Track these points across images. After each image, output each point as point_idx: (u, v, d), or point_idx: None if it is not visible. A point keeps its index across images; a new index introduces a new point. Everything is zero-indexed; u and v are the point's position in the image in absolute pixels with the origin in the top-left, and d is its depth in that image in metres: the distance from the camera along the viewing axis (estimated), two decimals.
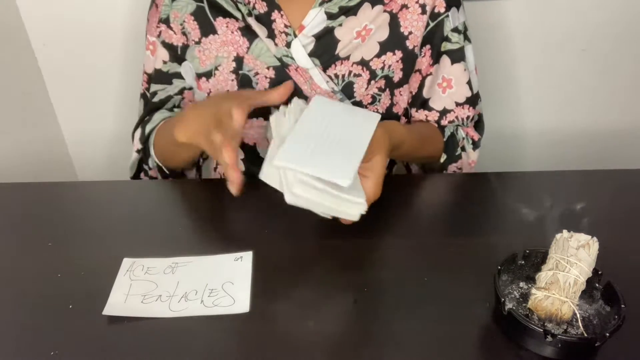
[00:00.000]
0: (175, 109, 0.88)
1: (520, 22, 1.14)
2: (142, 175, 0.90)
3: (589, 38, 1.16)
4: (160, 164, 0.84)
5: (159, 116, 0.86)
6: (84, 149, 1.32)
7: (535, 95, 1.24)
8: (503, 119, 1.28)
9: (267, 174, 0.61)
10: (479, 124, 0.90)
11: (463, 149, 0.86)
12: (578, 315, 0.50)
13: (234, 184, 0.61)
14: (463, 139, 0.86)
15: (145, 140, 0.85)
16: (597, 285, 0.54)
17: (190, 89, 0.86)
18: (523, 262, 0.57)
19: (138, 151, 0.86)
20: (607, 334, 0.48)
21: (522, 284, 0.56)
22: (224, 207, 0.75)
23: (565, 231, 0.53)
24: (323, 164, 0.58)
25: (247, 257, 0.63)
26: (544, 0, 1.11)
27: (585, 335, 0.50)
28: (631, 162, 1.30)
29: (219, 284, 0.59)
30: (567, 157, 1.32)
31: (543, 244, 0.55)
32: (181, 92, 0.86)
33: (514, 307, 0.51)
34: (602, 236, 0.52)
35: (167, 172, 0.85)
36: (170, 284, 0.60)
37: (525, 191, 0.77)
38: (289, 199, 0.58)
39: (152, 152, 0.84)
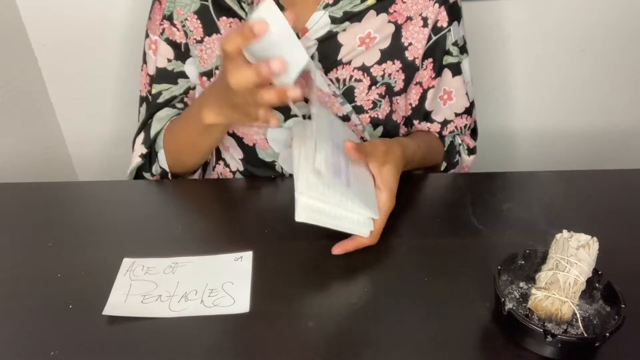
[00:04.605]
0: (178, 104, 0.85)
1: (519, 22, 1.14)
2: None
3: (588, 38, 1.16)
4: (167, 169, 0.82)
5: (161, 117, 0.84)
6: (84, 149, 1.32)
7: (535, 96, 1.24)
8: (502, 119, 1.28)
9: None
10: (474, 131, 0.94)
11: (459, 154, 0.89)
12: (578, 315, 0.50)
13: (290, 97, 0.56)
14: (459, 145, 0.89)
15: (151, 144, 0.83)
16: (597, 285, 0.54)
17: (194, 88, 0.85)
18: (523, 262, 0.57)
19: (142, 156, 0.84)
20: (607, 334, 0.48)
21: (522, 284, 0.56)
22: (224, 207, 0.75)
23: (565, 231, 0.53)
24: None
25: (247, 257, 0.63)
26: None
27: (585, 335, 0.50)
28: (631, 162, 1.30)
29: (219, 284, 0.59)
30: (567, 157, 1.32)
31: (543, 244, 0.55)
32: (186, 92, 0.85)
33: (514, 307, 0.51)
34: (602, 236, 0.52)
35: (170, 177, 0.84)
36: (170, 284, 0.60)
37: (525, 191, 0.77)
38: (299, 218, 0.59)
39: (159, 156, 0.82)
